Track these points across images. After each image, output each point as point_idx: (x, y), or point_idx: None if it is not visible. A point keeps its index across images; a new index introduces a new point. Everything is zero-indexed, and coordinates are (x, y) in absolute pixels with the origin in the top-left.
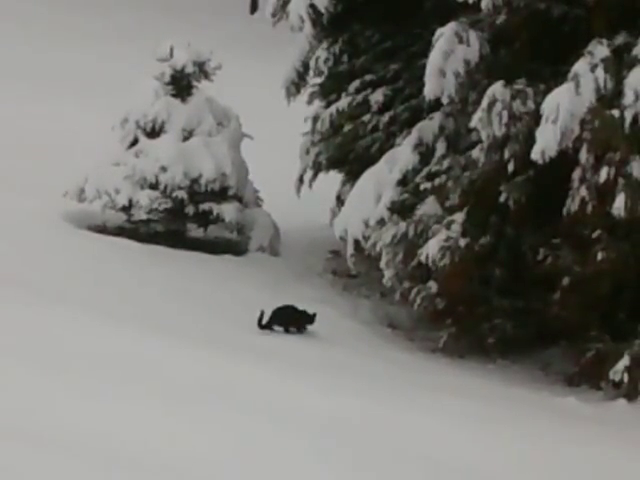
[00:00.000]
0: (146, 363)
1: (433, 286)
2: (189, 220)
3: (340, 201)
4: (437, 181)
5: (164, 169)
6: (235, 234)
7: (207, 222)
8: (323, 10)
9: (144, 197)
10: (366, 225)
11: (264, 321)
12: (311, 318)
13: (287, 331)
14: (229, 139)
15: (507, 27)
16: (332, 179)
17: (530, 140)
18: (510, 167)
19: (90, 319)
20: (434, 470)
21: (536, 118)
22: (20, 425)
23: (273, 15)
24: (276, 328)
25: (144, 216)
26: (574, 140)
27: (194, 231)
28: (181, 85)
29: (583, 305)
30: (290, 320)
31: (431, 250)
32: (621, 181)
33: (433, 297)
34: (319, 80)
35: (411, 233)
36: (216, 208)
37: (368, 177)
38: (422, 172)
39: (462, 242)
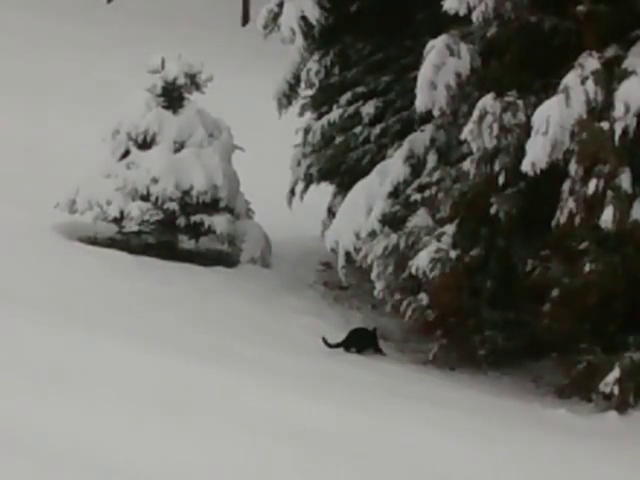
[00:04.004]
0: (141, 375)
1: (424, 298)
2: (180, 232)
3: (331, 213)
4: (428, 193)
5: (155, 181)
6: (226, 246)
7: (198, 234)
8: (314, 22)
9: (135, 209)
10: (357, 237)
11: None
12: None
13: (360, 352)
14: (220, 151)
15: (498, 40)
16: (323, 191)
17: (521, 152)
18: (501, 179)
19: (82, 331)
20: None
21: (527, 130)
22: (17, 439)
23: (264, 27)
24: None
25: (135, 228)
26: (564, 152)
27: (185, 243)
28: (172, 97)
29: (573, 317)
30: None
31: (422, 262)
32: (610, 193)
33: (424, 309)
34: (310, 92)
35: (402, 245)
36: (207, 220)
37: (359, 189)
38: (413, 184)
39: (453, 254)
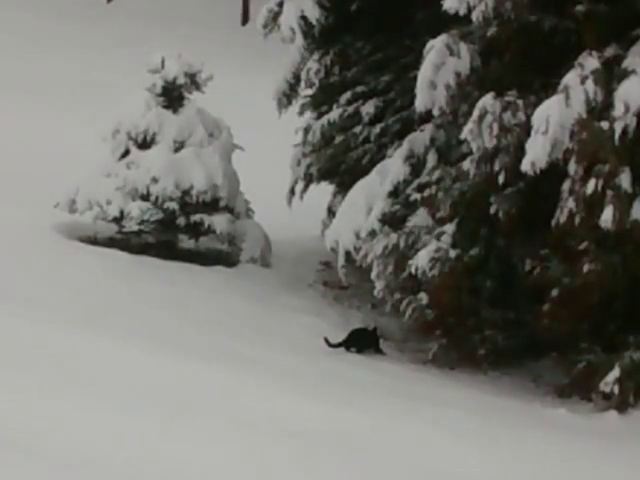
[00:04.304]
0: (141, 375)
1: (423, 297)
2: (180, 231)
3: (331, 212)
4: (428, 192)
5: (155, 180)
6: (226, 245)
7: (198, 233)
8: (314, 22)
9: (135, 208)
10: (357, 236)
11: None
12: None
13: (361, 351)
14: (220, 150)
15: (498, 39)
16: (323, 190)
17: (520, 152)
18: (500, 179)
19: (82, 331)
20: None
21: (527, 130)
22: (17, 439)
23: (264, 26)
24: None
25: (135, 227)
26: (564, 152)
27: (185, 242)
28: (172, 96)
29: (573, 316)
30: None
31: (421, 261)
32: (609, 193)
33: (423, 308)
34: (310, 91)
35: (402, 244)
36: (207, 219)
37: (359, 188)
38: (413, 183)
39: (452, 253)
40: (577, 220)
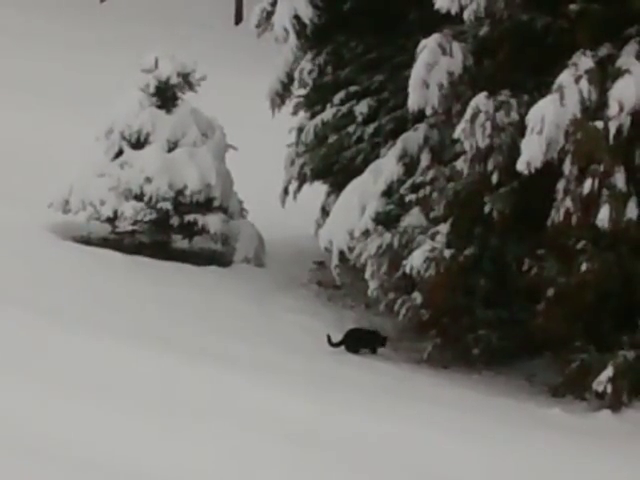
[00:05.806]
0: (141, 376)
1: (418, 297)
2: (174, 231)
3: (325, 212)
4: (421, 192)
5: (149, 180)
6: (220, 245)
7: (192, 233)
8: (307, 21)
9: (129, 208)
10: (351, 236)
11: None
12: (383, 340)
13: (357, 352)
14: (214, 150)
15: (490, 38)
16: (317, 190)
17: (514, 151)
18: (494, 178)
19: (76, 331)
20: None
21: (520, 129)
22: (16, 439)
23: (258, 26)
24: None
25: (129, 227)
26: (559, 151)
27: (179, 242)
28: (166, 96)
29: (568, 316)
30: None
31: (415, 261)
32: (605, 192)
33: (418, 308)
34: (304, 91)
35: (396, 244)
36: (201, 219)
37: (353, 188)
38: (407, 183)
39: (446, 253)
40: (574, 219)
